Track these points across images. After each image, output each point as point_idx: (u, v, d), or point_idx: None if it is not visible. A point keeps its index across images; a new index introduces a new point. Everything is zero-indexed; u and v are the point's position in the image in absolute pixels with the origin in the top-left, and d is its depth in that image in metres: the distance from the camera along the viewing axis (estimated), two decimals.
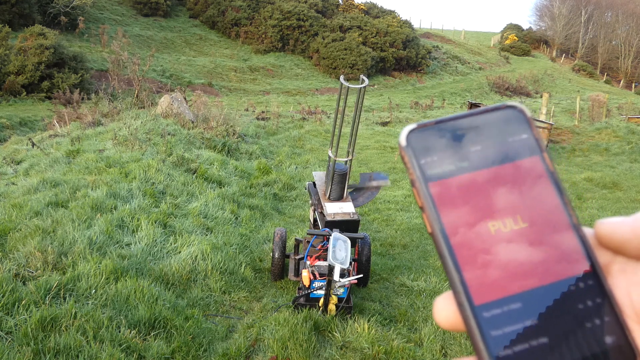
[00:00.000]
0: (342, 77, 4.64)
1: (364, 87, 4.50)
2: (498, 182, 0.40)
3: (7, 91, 18.92)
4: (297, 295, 4.35)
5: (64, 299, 3.84)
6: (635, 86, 50.12)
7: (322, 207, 4.92)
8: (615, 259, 0.39)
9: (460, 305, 0.38)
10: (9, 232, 4.92)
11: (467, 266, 0.38)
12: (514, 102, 0.43)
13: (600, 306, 0.37)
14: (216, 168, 8.42)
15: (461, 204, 0.40)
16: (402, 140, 0.42)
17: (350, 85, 4.51)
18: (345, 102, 4.61)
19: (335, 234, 4.25)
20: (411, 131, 0.42)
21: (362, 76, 4.61)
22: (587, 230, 0.40)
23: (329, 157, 4.94)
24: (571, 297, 0.37)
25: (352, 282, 4.17)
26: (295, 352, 3.70)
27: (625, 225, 0.38)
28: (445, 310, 0.39)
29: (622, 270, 0.39)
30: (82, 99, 14.82)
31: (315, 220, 5.17)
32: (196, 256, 5.02)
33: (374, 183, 5.41)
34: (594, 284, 0.38)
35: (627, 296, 0.38)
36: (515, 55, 50.02)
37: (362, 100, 4.57)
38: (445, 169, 0.41)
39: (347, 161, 5.00)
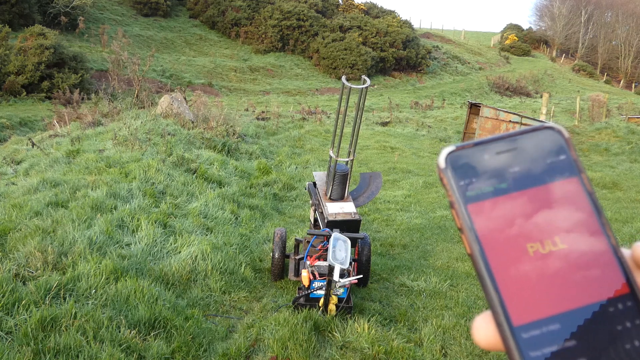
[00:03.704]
0: (343, 78, 4.65)
1: (366, 87, 4.49)
2: (536, 204, 0.40)
3: (7, 91, 18.92)
4: (297, 295, 4.35)
5: (64, 299, 3.83)
6: (635, 86, 50.13)
7: (322, 207, 4.92)
8: None
9: (499, 325, 0.38)
10: (9, 232, 4.92)
11: (505, 287, 0.39)
12: (552, 123, 0.43)
13: (639, 328, 0.37)
14: (216, 168, 8.42)
15: (500, 226, 0.40)
16: (441, 162, 0.42)
17: (352, 86, 4.51)
18: (347, 103, 4.61)
19: (336, 234, 4.25)
20: (450, 153, 0.42)
21: (363, 77, 4.61)
22: (626, 252, 0.40)
23: (330, 157, 4.94)
24: (610, 318, 0.38)
25: (352, 282, 4.17)
26: (295, 352, 3.70)
27: None
28: (484, 329, 0.40)
29: None
30: (82, 99, 14.82)
31: (315, 220, 5.17)
32: (196, 256, 5.02)
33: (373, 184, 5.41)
34: (632, 305, 0.38)
35: None
36: (515, 55, 50.01)
37: (364, 101, 4.57)
38: (484, 190, 0.41)
39: (348, 161, 5.00)
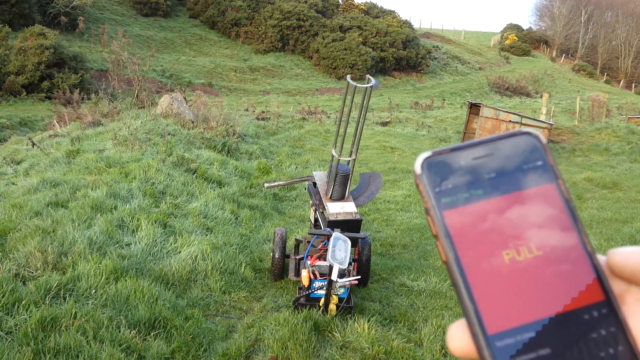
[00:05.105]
0: (349, 77, 4.64)
1: (371, 87, 4.47)
2: (513, 210, 0.40)
3: (7, 91, 18.91)
4: (298, 295, 4.35)
5: (64, 299, 3.83)
6: (635, 86, 50.12)
7: (323, 207, 4.92)
8: (629, 288, 0.39)
9: (473, 334, 0.38)
10: (9, 232, 4.92)
11: (481, 295, 0.38)
12: (529, 129, 0.43)
13: (614, 335, 0.37)
14: (216, 168, 8.42)
15: (476, 233, 0.40)
16: (417, 168, 0.41)
17: (357, 85, 4.49)
18: (352, 102, 4.60)
19: (336, 234, 4.25)
20: (426, 159, 0.42)
21: (368, 76, 4.59)
22: (601, 259, 0.40)
23: (332, 156, 4.93)
24: (585, 326, 0.37)
25: (352, 282, 4.17)
26: (295, 352, 3.70)
27: (636, 255, 0.38)
28: (458, 338, 0.39)
29: (637, 300, 0.38)
30: (82, 99, 14.81)
31: (315, 220, 5.17)
32: (196, 256, 5.02)
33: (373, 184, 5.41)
34: (608, 313, 0.37)
35: None
36: (515, 55, 50.00)
37: (368, 100, 4.55)
38: (460, 197, 0.40)
39: (349, 161, 4.99)
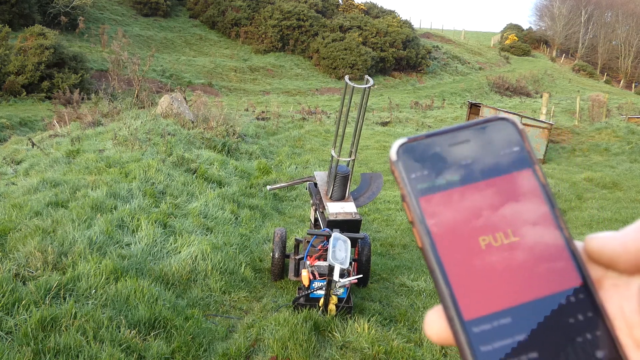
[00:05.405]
0: (347, 77, 4.65)
1: (369, 87, 4.48)
2: (489, 196, 0.40)
3: (7, 91, 18.91)
4: (297, 295, 4.35)
5: (64, 299, 3.83)
6: (635, 86, 50.12)
7: (323, 206, 4.92)
8: (607, 273, 0.39)
9: (450, 320, 0.38)
10: (9, 232, 4.92)
11: (457, 281, 0.38)
12: (506, 114, 0.42)
13: (591, 320, 0.37)
14: (216, 168, 8.42)
15: (452, 219, 0.39)
16: (393, 154, 0.41)
17: (355, 85, 4.50)
18: (350, 102, 4.61)
19: (335, 234, 4.25)
20: (401, 145, 0.41)
21: (366, 76, 4.60)
22: (579, 244, 0.40)
23: (332, 156, 4.94)
24: (562, 311, 0.37)
25: (352, 282, 4.17)
26: (295, 352, 3.70)
27: (614, 241, 0.38)
28: (435, 324, 0.39)
29: (614, 285, 0.38)
30: (82, 99, 14.80)
31: (315, 220, 5.17)
32: (196, 256, 5.02)
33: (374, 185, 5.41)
34: (585, 298, 0.37)
35: (619, 310, 0.37)
36: (515, 55, 50.00)
37: (367, 101, 4.56)
38: (436, 183, 0.40)
39: (349, 161, 4.99)
